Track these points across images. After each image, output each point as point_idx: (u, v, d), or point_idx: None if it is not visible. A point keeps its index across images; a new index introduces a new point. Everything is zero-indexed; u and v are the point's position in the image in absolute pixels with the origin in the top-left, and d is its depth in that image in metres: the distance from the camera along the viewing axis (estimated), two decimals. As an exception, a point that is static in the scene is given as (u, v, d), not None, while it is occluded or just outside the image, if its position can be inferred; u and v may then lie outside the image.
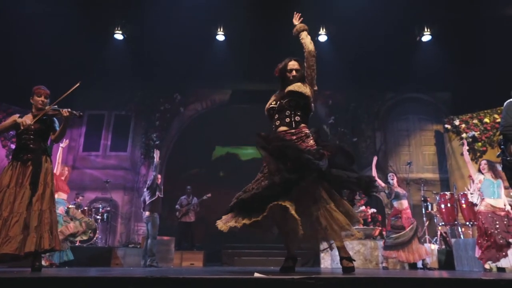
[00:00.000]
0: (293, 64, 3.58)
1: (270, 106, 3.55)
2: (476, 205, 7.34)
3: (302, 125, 3.43)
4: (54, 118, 4.22)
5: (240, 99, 11.52)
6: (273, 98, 3.62)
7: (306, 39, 3.55)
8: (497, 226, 5.61)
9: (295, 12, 3.68)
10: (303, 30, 3.59)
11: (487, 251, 5.60)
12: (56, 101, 4.17)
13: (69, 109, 4.10)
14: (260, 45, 9.72)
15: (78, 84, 4.23)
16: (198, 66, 10.58)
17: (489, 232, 5.62)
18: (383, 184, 7.47)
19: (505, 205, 5.80)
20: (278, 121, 3.45)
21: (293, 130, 3.38)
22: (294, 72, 3.55)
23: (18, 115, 4.12)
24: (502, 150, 3.67)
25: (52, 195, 4.02)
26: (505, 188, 5.97)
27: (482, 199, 5.96)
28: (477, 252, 5.83)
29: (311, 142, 3.38)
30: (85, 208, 9.29)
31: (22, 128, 3.97)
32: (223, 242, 9.51)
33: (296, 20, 3.69)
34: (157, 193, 7.73)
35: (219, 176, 11.69)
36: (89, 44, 9.89)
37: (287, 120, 3.41)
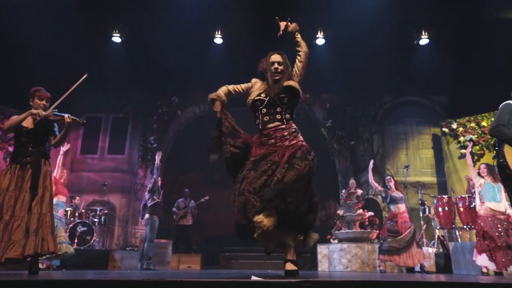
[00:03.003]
0: (275, 57, 3.51)
1: (259, 98, 3.42)
2: (474, 208, 7.36)
3: (291, 121, 3.41)
4: (54, 122, 4.22)
5: (238, 102, 11.48)
6: (259, 89, 3.48)
7: (301, 39, 3.49)
8: (499, 229, 5.61)
9: (277, 18, 3.52)
10: (298, 30, 3.50)
11: (498, 258, 5.53)
12: (62, 96, 4.17)
13: (72, 116, 4.12)
14: (258, 48, 9.69)
15: (85, 76, 4.23)
16: (196, 69, 10.58)
17: (490, 235, 5.61)
18: (379, 188, 7.47)
19: (506, 210, 5.79)
20: (267, 117, 3.36)
21: (284, 126, 3.34)
22: (276, 65, 3.46)
23: (17, 116, 4.12)
24: (496, 151, 3.69)
25: (51, 198, 4.03)
26: (505, 191, 5.97)
27: (482, 203, 5.95)
28: (475, 256, 5.83)
29: (301, 137, 3.37)
30: (83, 210, 9.29)
31: (38, 118, 3.97)
32: (220, 245, 9.50)
33: (283, 23, 3.51)
34: (155, 196, 7.72)
35: (217, 179, 11.67)
36: (87, 46, 9.89)
37: (278, 117, 3.35)
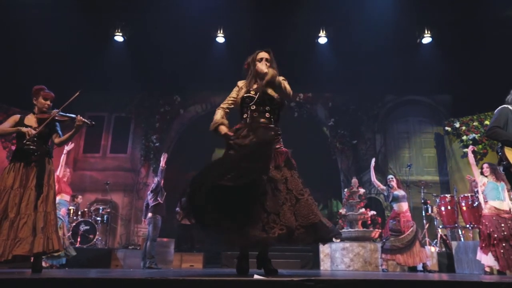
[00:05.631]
0: (262, 54, 3.58)
1: (248, 95, 3.43)
2: (476, 207, 7.34)
3: (277, 124, 3.48)
4: (60, 122, 4.23)
5: (240, 101, 11.47)
6: (247, 86, 3.50)
7: (286, 84, 3.44)
8: (503, 228, 5.59)
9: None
10: (276, 75, 3.42)
11: (502, 259, 5.51)
12: (59, 109, 4.18)
13: (82, 118, 4.14)
14: (260, 47, 9.70)
15: (77, 94, 4.23)
16: (198, 68, 10.59)
17: (496, 235, 5.59)
18: (381, 186, 7.46)
19: (510, 209, 5.78)
20: (256, 113, 3.39)
21: (272, 126, 3.40)
22: (263, 61, 3.53)
23: (19, 116, 4.13)
24: (500, 156, 3.71)
25: (54, 197, 4.06)
26: (508, 190, 5.96)
27: (486, 202, 5.94)
28: (479, 256, 5.81)
29: (282, 143, 3.45)
30: (85, 209, 9.30)
31: (28, 137, 3.96)
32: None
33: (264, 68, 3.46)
34: (158, 198, 7.73)
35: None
36: (89, 46, 9.90)
37: (267, 115, 3.41)
